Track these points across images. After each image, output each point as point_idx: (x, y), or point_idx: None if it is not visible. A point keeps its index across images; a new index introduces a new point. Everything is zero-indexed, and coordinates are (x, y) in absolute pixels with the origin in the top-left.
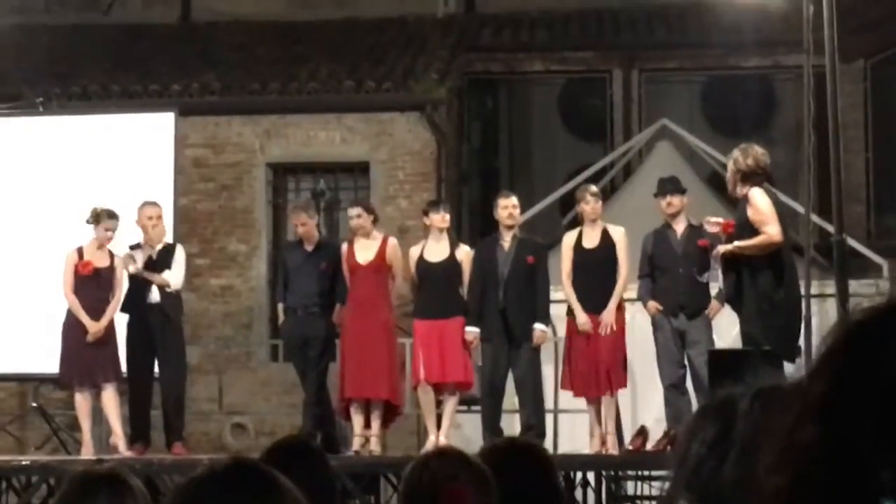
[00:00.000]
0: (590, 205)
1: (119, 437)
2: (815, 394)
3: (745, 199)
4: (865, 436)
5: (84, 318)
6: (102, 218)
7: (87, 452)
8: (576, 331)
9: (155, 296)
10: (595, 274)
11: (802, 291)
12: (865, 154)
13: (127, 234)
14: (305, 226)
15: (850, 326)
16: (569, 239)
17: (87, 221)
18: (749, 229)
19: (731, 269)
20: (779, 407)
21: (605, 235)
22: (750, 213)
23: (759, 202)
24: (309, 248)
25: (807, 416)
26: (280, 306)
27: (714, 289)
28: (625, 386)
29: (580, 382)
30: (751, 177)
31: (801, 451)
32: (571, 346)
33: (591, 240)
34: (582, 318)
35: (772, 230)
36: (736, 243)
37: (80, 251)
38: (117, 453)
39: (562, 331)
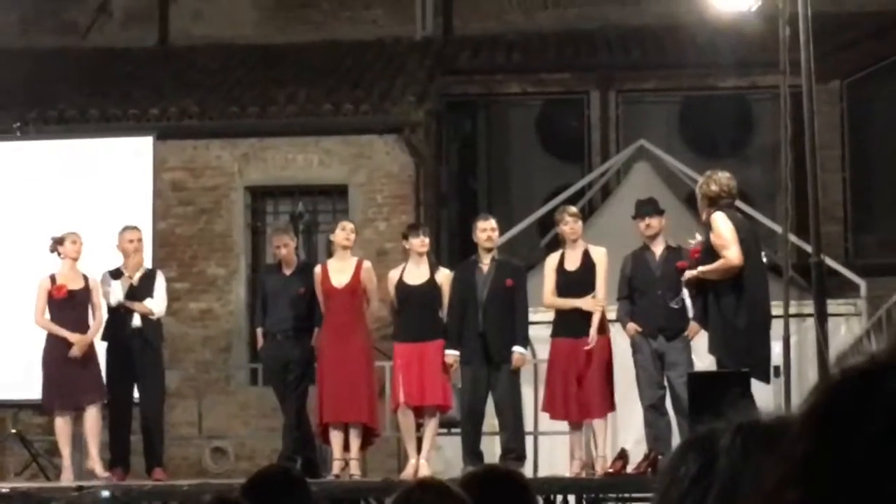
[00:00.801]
0: (568, 225)
1: (95, 460)
2: (797, 456)
3: (708, 223)
4: (847, 499)
5: (64, 332)
6: (65, 238)
7: (67, 478)
8: (559, 354)
9: (136, 321)
10: (577, 295)
11: (781, 311)
12: (842, 173)
13: (104, 260)
14: (287, 247)
15: (830, 388)
16: (551, 261)
17: (51, 250)
18: (712, 253)
19: (699, 293)
20: (759, 444)
21: (587, 256)
22: (711, 237)
23: (720, 226)
24: (287, 271)
25: (789, 479)
26: (259, 330)
27: (692, 311)
28: (613, 410)
29: (562, 406)
30: (716, 201)
31: None
32: (554, 369)
33: (573, 261)
34: (586, 302)
35: (731, 254)
36: (699, 268)
37: (52, 277)
38: (94, 478)
39: (542, 353)
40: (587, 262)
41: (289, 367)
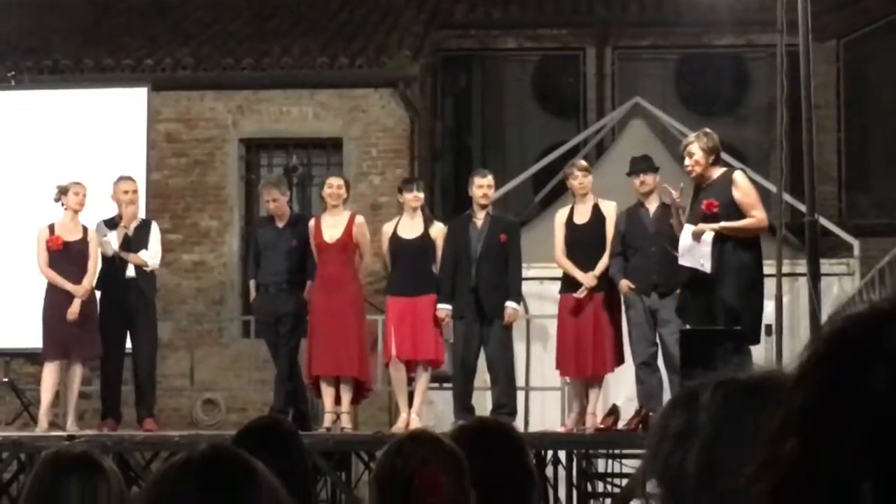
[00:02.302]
0: (577, 180)
1: (70, 416)
2: (796, 406)
3: (725, 180)
4: (846, 449)
5: (66, 284)
6: (69, 188)
7: (42, 426)
8: (568, 310)
9: (130, 272)
10: (588, 250)
11: (773, 270)
12: (837, 133)
13: (98, 210)
14: (277, 202)
15: (830, 336)
16: (560, 216)
17: (55, 199)
18: (735, 211)
19: (715, 244)
20: (737, 401)
21: (597, 210)
22: (738, 195)
23: (747, 185)
24: (280, 224)
25: (787, 429)
26: (252, 283)
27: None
28: (621, 363)
29: (572, 363)
30: (717, 156)
31: (782, 463)
32: (564, 326)
33: (583, 215)
34: (586, 278)
35: (760, 214)
36: (724, 224)
37: (51, 227)
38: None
39: (534, 309)
40: (597, 217)
41: (281, 319)
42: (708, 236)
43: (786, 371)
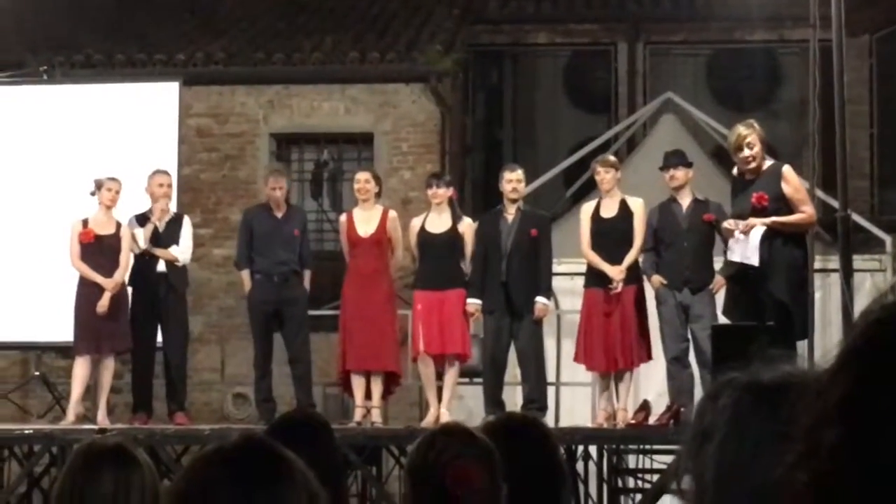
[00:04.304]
0: (600, 175)
1: (102, 410)
2: (836, 394)
3: (774, 173)
4: (887, 436)
5: (97, 277)
6: (104, 182)
7: (71, 417)
8: (593, 304)
9: (161, 266)
10: (612, 244)
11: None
12: (870, 129)
13: (130, 204)
14: (282, 189)
15: (870, 325)
16: (587, 209)
17: (91, 193)
18: (784, 205)
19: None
20: (753, 402)
21: (624, 206)
22: (788, 189)
23: (797, 180)
24: (279, 214)
25: (827, 417)
26: (245, 272)
27: (718, 263)
28: (650, 359)
29: (599, 356)
30: (768, 148)
31: (823, 452)
32: (589, 320)
33: (609, 210)
34: (613, 270)
35: (810, 210)
36: (776, 218)
37: (84, 221)
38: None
39: (565, 304)
40: (624, 212)
41: (283, 308)
42: (758, 231)
43: (808, 370)
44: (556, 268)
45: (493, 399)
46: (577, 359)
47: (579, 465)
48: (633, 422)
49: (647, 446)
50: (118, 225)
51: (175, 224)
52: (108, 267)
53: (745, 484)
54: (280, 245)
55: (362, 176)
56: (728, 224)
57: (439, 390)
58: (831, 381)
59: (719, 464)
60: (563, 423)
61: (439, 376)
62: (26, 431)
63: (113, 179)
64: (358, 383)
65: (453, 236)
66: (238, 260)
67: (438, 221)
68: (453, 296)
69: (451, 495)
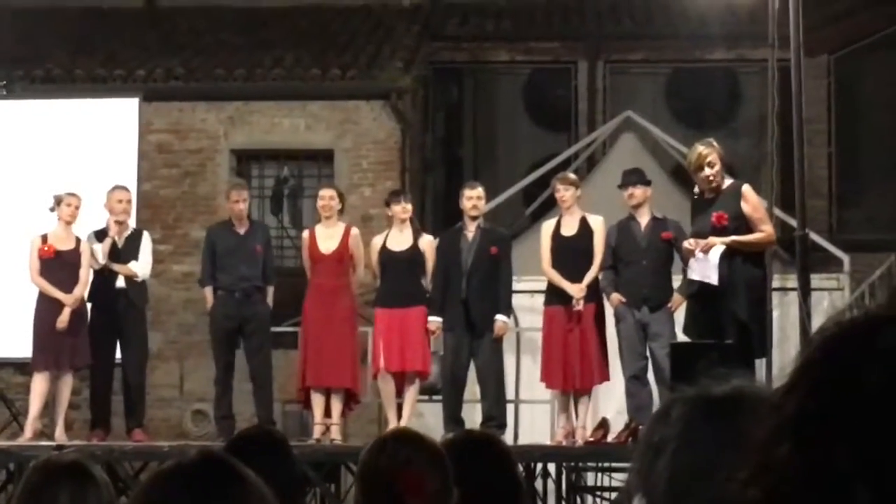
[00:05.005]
0: (559, 193)
1: (59, 426)
2: (790, 409)
3: (734, 192)
4: (841, 453)
5: (57, 293)
6: (63, 198)
7: (29, 433)
8: (553, 322)
9: (120, 282)
10: (573, 261)
11: None
12: (828, 148)
13: (89, 220)
14: (245, 202)
15: (824, 341)
16: (547, 227)
17: (51, 209)
18: (744, 224)
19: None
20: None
21: (584, 224)
22: (747, 209)
23: (757, 199)
24: (241, 230)
25: (781, 432)
26: (208, 289)
27: (676, 282)
28: (608, 379)
29: (559, 375)
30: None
31: (776, 467)
32: (550, 338)
33: (570, 227)
34: (573, 288)
35: (769, 229)
36: (735, 238)
37: (44, 237)
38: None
39: (525, 322)
40: (584, 230)
41: (245, 325)
42: (718, 250)
43: (760, 385)
44: (516, 285)
45: (453, 416)
46: (542, 378)
47: (538, 483)
48: (591, 439)
49: (606, 464)
50: (77, 240)
51: (134, 240)
52: (68, 282)
53: (697, 498)
54: (243, 261)
55: (326, 193)
56: (688, 244)
57: (399, 407)
58: (785, 396)
59: (671, 478)
60: (523, 441)
61: (399, 393)
62: None
63: (72, 195)
64: (318, 400)
65: (414, 254)
66: (202, 277)
67: (400, 239)
68: (414, 313)
69: (402, 501)
